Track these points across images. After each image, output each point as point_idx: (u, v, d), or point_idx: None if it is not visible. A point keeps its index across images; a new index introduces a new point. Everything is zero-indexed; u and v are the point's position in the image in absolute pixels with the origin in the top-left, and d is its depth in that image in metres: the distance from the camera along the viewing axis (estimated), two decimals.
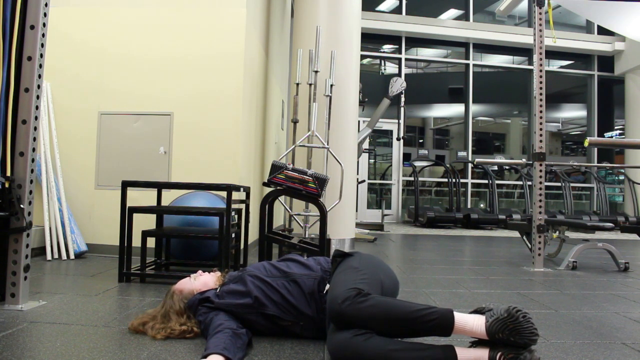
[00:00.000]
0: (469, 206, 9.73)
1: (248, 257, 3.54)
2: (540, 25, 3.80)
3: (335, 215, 4.08)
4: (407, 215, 9.68)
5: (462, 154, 9.54)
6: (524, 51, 10.41)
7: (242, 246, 3.28)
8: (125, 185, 2.85)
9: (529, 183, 8.49)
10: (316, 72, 3.97)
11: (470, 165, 9.90)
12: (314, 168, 3.71)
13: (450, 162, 10.33)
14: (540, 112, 3.76)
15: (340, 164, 3.55)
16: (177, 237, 3.19)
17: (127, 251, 2.80)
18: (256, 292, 1.72)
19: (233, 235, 3.04)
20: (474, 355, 1.36)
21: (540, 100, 3.77)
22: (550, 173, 9.47)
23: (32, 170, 2.15)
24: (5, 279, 2.10)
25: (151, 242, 3.09)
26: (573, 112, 12.95)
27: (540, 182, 3.74)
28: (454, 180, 8.81)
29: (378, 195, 10.19)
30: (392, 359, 1.35)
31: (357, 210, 7.57)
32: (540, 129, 3.76)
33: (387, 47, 10.96)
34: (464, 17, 10.41)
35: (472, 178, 10.01)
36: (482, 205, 10.37)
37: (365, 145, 7.19)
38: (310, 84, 3.97)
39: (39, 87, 2.16)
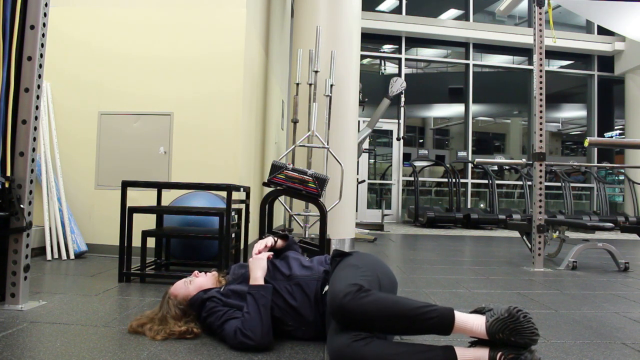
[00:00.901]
0: (469, 206, 9.73)
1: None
2: (540, 25, 3.80)
3: (335, 215, 4.07)
4: (407, 215, 9.69)
5: (462, 154, 9.53)
6: (524, 51, 10.40)
7: (242, 246, 3.28)
8: (125, 185, 2.85)
9: (529, 183, 8.48)
10: (316, 72, 3.97)
11: (470, 165, 9.90)
12: (314, 168, 3.71)
13: (450, 162, 10.32)
14: (540, 112, 3.76)
15: (340, 164, 3.55)
16: (177, 237, 3.19)
17: (127, 251, 2.80)
18: None
19: (233, 235, 3.04)
20: (474, 355, 1.36)
21: (540, 100, 3.77)
22: (550, 173, 9.47)
23: (32, 170, 2.14)
24: (5, 279, 2.10)
25: (151, 242, 3.09)
26: (573, 112, 12.95)
27: (540, 182, 3.74)
28: (454, 180, 8.81)
29: (378, 195, 10.19)
30: None
31: (357, 210, 7.56)
32: (540, 129, 3.76)
33: (387, 47, 10.95)
34: (464, 17, 10.41)
35: (472, 178, 10.00)
36: (482, 205, 10.37)
37: (365, 145, 7.19)
38: (310, 84, 3.98)
39: (39, 87, 2.16)
